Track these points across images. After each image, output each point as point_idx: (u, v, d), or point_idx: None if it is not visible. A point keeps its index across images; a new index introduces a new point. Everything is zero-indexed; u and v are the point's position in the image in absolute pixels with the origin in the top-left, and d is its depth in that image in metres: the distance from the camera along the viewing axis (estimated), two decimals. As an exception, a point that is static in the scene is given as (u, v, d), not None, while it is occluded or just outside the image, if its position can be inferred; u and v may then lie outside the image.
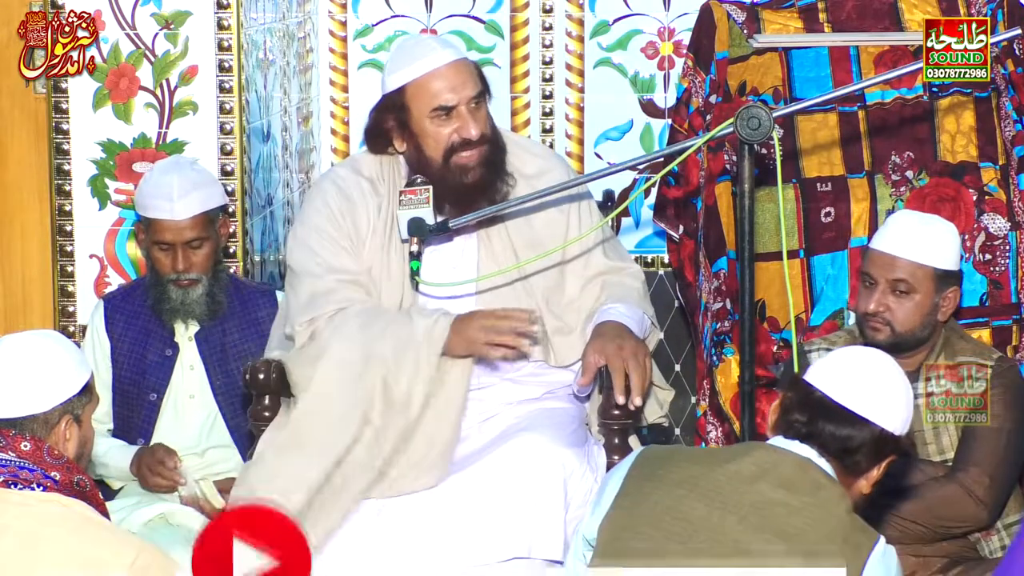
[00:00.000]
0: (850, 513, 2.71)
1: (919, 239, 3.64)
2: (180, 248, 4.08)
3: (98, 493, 2.79)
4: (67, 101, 4.51)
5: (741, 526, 2.62)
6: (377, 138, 3.77)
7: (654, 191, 4.86)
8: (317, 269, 3.72)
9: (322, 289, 3.69)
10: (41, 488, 2.69)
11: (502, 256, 3.73)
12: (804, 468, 2.70)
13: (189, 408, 4.12)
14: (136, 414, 4.14)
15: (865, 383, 2.76)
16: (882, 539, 2.71)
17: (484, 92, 3.71)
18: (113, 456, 4.08)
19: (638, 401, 3.49)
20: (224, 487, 3.96)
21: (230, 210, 4.49)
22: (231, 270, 4.41)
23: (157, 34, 4.48)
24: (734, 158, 4.33)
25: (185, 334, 4.15)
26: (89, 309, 4.39)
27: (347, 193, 3.76)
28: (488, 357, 3.60)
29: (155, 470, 4.01)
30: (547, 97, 5.20)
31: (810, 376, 2.78)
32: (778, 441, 2.76)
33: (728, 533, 2.63)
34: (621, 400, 3.49)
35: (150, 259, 4.16)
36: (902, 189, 4.39)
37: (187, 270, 4.08)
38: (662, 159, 4.35)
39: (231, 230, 4.39)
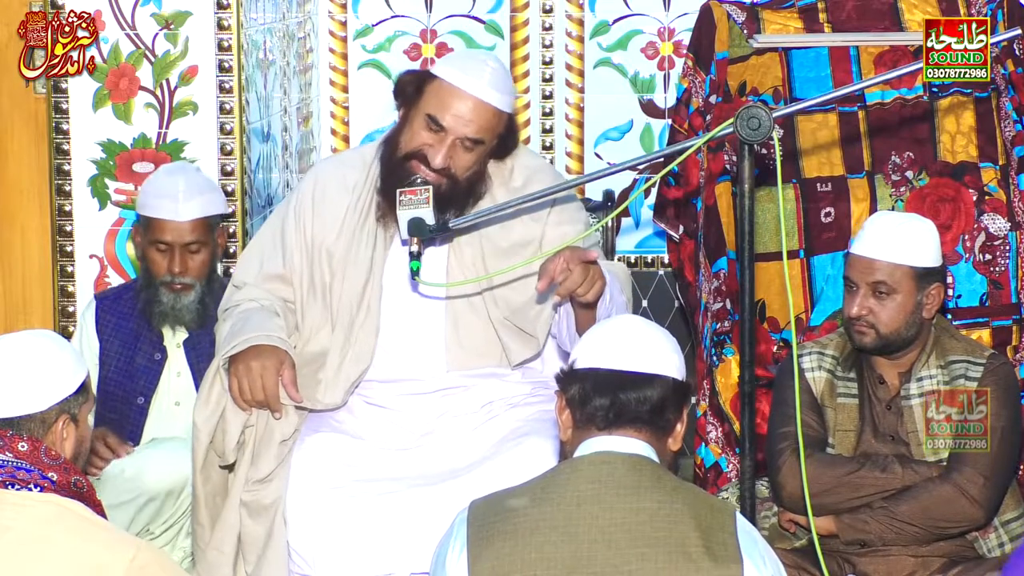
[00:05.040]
0: (701, 496, 2.63)
1: (895, 240, 3.64)
2: (178, 250, 4.08)
3: (95, 494, 2.79)
4: (67, 101, 4.51)
5: (611, 550, 2.53)
6: (397, 90, 3.76)
7: (654, 191, 4.86)
8: (254, 262, 3.84)
9: (240, 280, 3.83)
10: (38, 489, 2.69)
11: (471, 263, 3.71)
12: (638, 464, 2.61)
13: (174, 415, 4.11)
14: (124, 418, 4.13)
15: (633, 344, 2.68)
16: (736, 511, 2.64)
17: (483, 143, 3.63)
18: None
19: (541, 287, 3.43)
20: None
21: (230, 210, 4.49)
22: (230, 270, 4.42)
23: (157, 34, 4.48)
24: (734, 158, 4.33)
25: (173, 340, 4.15)
26: (89, 310, 4.39)
27: (323, 187, 3.79)
28: (232, 390, 3.62)
29: (99, 453, 4.01)
30: (547, 97, 5.21)
31: (582, 364, 2.69)
32: (591, 445, 2.65)
33: (605, 561, 2.53)
34: (539, 287, 3.44)
35: (145, 261, 4.16)
36: (902, 189, 4.39)
37: (183, 273, 4.08)
38: (662, 159, 4.35)
39: (229, 234, 4.38)
